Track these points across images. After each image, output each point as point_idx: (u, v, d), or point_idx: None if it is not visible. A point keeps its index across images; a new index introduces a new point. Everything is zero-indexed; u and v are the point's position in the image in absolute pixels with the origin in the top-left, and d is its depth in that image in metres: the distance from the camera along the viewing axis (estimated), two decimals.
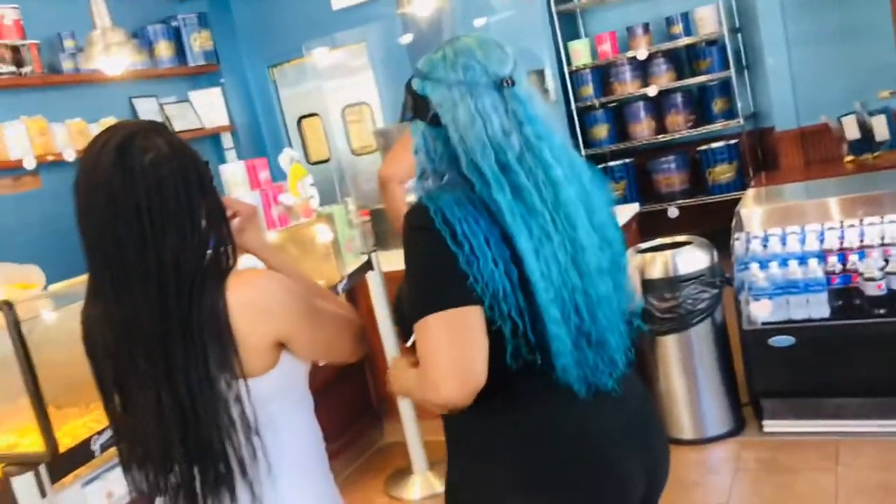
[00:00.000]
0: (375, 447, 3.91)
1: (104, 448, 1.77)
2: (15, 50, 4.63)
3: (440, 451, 3.60)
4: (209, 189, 1.30)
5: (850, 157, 4.72)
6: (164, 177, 1.23)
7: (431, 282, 1.28)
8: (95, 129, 5.06)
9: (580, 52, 5.79)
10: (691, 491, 3.01)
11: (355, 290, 3.69)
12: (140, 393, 1.24)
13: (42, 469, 1.56)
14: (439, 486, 3.42)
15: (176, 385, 1.21)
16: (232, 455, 1.23)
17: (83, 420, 1.91)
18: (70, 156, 4.85)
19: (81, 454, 1.69)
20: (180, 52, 5.81)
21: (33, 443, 1.60)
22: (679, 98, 5.70)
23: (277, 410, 1.31)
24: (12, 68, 4.62)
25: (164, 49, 5.69)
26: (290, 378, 1.34)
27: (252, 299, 1.25)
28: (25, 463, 1.54)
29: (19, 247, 4.64)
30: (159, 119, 5.41)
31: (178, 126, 5.44)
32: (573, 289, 1.30)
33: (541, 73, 5.72)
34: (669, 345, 3.29)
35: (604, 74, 5.90)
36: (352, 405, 3.91)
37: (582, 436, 1.34)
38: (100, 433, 1.76)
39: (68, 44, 5.00)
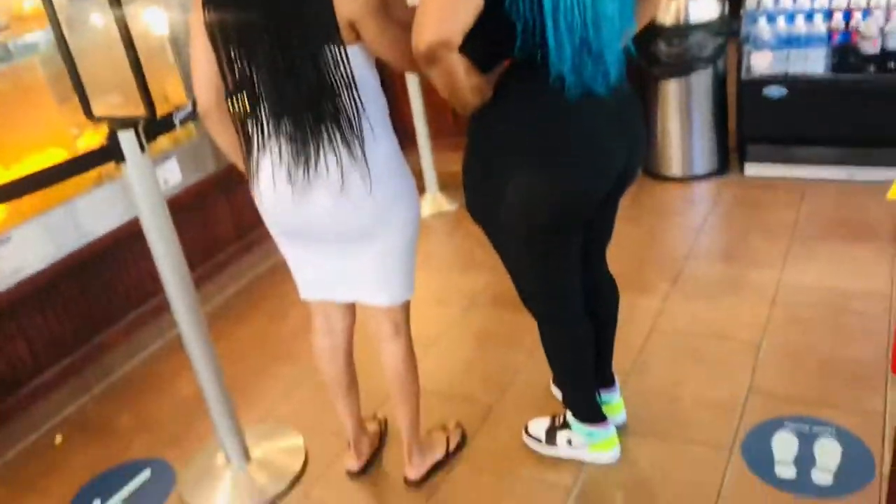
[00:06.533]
0: None
1: (182, 122, 2.09)
2: None
3: (449, 179, 3.99)
4: None
5: None
6: None
7: None
8: None
9: None
10: (673, 218, 3.44)
11: None
12: (264, 58, 1.55)
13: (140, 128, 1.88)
14: (446, 206, 3.85)
15: (292, 47, 1.52)
16: (335, 103, 1.57)
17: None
18: None
19: (167, 123, 2.01)
20: None
21: (136, 109, 1.91)
22: None
23: (362, 76, 1.62)
24: None
25: None
26: (366, 55, 1.64)
27: None
28: (129, 122, 1.86)
29: None
30: None
31: None
32: (586, 4, 1.53)
33: None
34: (671, 89, 3.54)
35: None
36: None
37: (574, 123, 1.63)
38: (178, 109, 2.07)
39: None
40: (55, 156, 2.64)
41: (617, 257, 2.10)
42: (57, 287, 2.62)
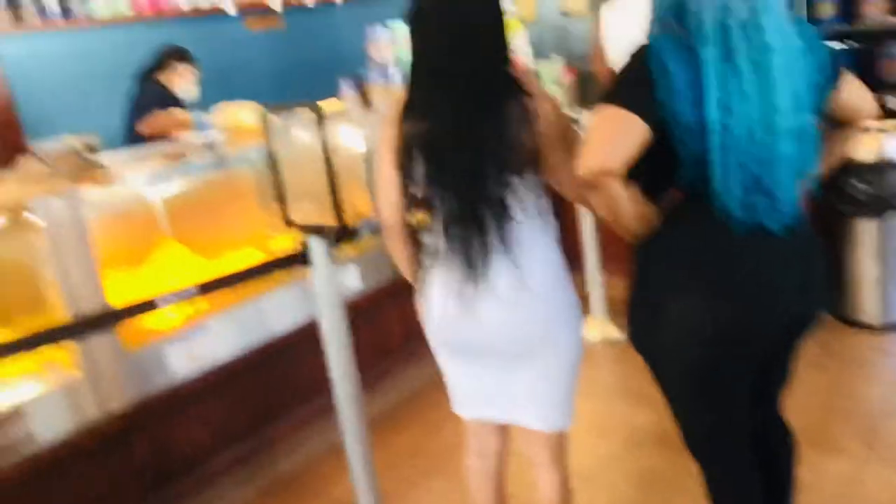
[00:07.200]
0: None
1: (366, 233, 2.22)
2: None
3: (620, 306, 3.91)
4: None
5: None
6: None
7: (624, 87, 1.54)
8: None
9: None
10: (866, 369, 3.14)
11: None
12: (449, 176, 1.65)
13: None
14: (615, 334, 3.75)
15: (478, 169, 1.61)
16: (507, 224, 1.64)
17: None
18: (311, 2, 5.32)
19: (354, 233, 2.15)
20: None
21: (324, 218, 2.08)
22: None
23: (536, 199, 1.69)
24: None
25: None
26: (536, 183, 1.70)
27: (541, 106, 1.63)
28: (321, 230, 2.02)
29: (261, 79, 5.26)
30: None
31: None
32: (760, 143, 1.50)
33: None
34: (865, 229, 3.31)
35: None
36: None
37: (740, 257, 1.57)
38: (363, 220, 2.21)
39: None
40: (250, 254, 2.88)
41: (798, 407, 1.94)
42: (239, 377, 2.80)
